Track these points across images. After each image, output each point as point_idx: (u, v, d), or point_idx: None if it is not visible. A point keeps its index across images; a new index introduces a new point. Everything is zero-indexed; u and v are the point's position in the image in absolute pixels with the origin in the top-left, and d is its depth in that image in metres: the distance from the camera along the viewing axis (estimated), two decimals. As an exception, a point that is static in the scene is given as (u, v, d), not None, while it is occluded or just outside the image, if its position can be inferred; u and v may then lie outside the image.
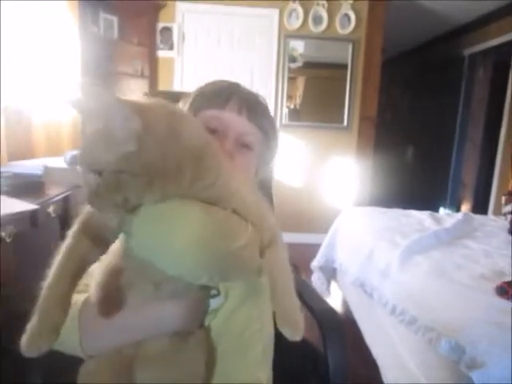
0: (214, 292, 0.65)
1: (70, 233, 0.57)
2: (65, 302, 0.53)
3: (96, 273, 0.61)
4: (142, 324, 0.59)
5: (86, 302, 0.60)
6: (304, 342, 0.70)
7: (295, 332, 0.55)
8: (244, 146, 0.71)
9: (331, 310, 1.05)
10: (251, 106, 0.72)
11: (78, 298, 0.60)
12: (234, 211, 0.56)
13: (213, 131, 0.69)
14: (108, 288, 0.59)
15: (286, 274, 0.60)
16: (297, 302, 0.58)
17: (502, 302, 1.26)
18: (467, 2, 3.88)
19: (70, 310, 0.55)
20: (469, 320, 1.18)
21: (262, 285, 0.70)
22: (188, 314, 0.60)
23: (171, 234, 0.51)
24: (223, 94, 0.71)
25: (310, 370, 1.00)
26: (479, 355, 1.04)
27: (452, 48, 4.88)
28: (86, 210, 0.57)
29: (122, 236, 0.58)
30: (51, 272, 0.54)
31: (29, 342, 0.51)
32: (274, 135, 0.77)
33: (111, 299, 0.59)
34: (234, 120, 0.70)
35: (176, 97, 0.77)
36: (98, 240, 0.56)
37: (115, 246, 0.60)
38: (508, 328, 1.11)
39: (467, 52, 4.67)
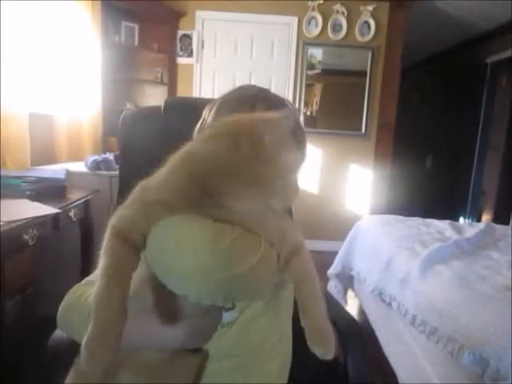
0: (228, 305, 0.64)
1: (111, 245, 0.52)
2: (124, 314, 0.50)
3: None
4: (144, 336, 0.58)
5: None
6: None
7: (327, 352, 0.53)
8: None
9: (351, 319, 1.03)
10: (278, 101, 0.72)
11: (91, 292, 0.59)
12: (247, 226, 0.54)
13: None
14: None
15: (314, 285, 0.57)
16: (328, 319, 0.55)
17: (528, 315, 1.22)
18: (490, 9, 3.82)
19: (82, 300, 0.58)
20: (494, 332, 1.15)
21: (282, 297, 0.69)
22: (191, 334, 0.58)
23: (176, 257, 0.51)
24: (249, 101, 0.71)
25: (325, 380, 0.98)
26: (503, 368, 1.01)
27: (474, 55, 4.81)
28: (122, 218, 0.53)
29: None
30: (102, 290, 0.50)
31: (91, 352, 0.47)
32: (303, 143, 0.76)
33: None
34: None
35: (194, 103, 0.78)
36: (139, 246, 0.53)
37: None
38: (534, 341, 1.07)
39: (490, 60, 4.60)
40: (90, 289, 0.63)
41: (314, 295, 0.56)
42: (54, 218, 1.57)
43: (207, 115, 0.76)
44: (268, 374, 0.69)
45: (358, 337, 1.00)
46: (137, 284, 0.55)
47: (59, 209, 1.58)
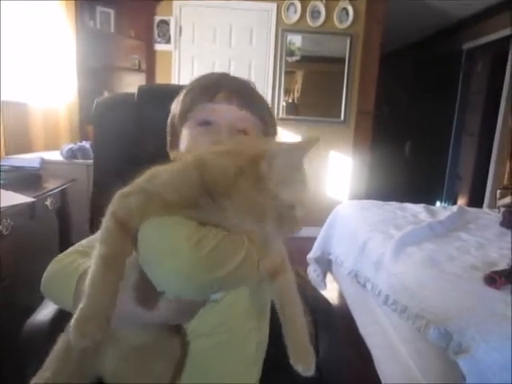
0: None
1: (111, 234, 0.53)
2: (115, 299, 0.52)
3: None
4: (132, 310, 0.58)
5: (86, 271, 0.58)
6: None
7: (308, 369, 0.59)
8: (240, 132, 0.72)
9: (324, 300, 1.06)
10: (241, 94, 0.73)
11: (80, 264, 0.62)
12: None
13: (207, 123, 0.71)
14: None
15: (296, 304, 0.62)
16: (307, 336, 0.61)
17: (491, 291, 1.28)
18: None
19: (71, 274, 0.60)
20: (458, 308, 1.20)
21: (263, 289, 0.71)
22: (176, 311, 0.60)
23: (159, 257, 0.52)
24: (212, 87, 0.73)
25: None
26: (465, 341, 1.06)
27: (450, 43, 4.89)
28: (124, 207, 0.54)
29: None
30: (98, 276, 0.51)
31: (81, 329, 0.48)
32: (271, 121, 0.78)
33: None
34: (225, 110, 0.71)
35: (168, 90, 0.79)
36: (135, 235, 0.55)
37: None
38: (495, 315, 1.13)
39: (465, 46, 4.68)
40: (78, 258, 0.65)
41: (297, 316, 0.61)
42: (30, 207, 1.56)
43: (175, 109, 0.78)
44: (246, 356, 0.72)
45: (329, 319, 1.03)
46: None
47: (34, 198, 1.57)
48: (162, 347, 0.62)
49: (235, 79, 0.76)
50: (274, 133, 0.80)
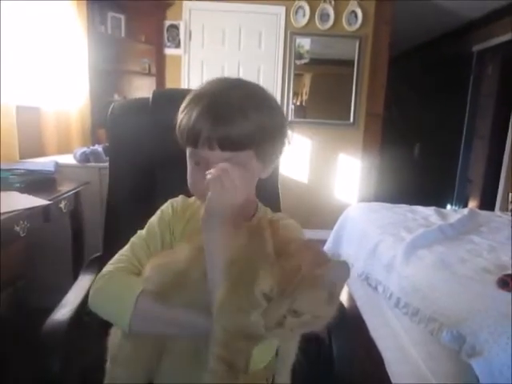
0: None
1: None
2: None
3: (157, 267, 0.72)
4: (188, 324, 0.67)
5: (144, 290, 0.69)
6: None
7: None
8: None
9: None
10: (221, 135, 0.70)
11: (134, 283, 0.71)
12: None
13: (197, 163, 0.75)
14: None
15: (293, 354, 0.71)
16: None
17: (503, 294, 1.28)
18: (475, -2, 3.86)
19: (128, 292, 0.69)
20: (471, 311, 1.20)
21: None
22: None
23: None
24: (191, 134, 0.72)
25: (313, 355, 1.03)
26: (479, 344, 1.06)
27: (460, 44, 4.85)
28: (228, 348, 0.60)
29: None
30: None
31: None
32: (274, 128, 0.75)
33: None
34: (209, 155, 0.72)
35: (183, 95, 0.80)
36: None
37: (182, 251, 0.70)
38: (508, 318, 1.12)
39: (476, 48, 4.65)
40: (128, 277, 0.74)
41: (290, 360, 0.72)
42: (45, 209, 1.58)
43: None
44: None
45: (342, 316, 1.04)
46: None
47: (49, 200, 1.60)
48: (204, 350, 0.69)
49: (218, 111, 0.70)
50: (280, 137, 0.79)
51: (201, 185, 0.71)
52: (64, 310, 0.95)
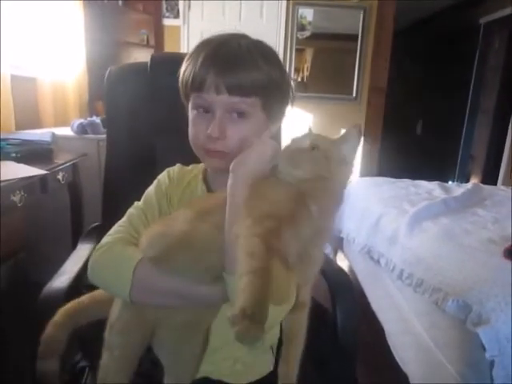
0: None
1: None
2: None
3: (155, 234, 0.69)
4: (190, 295, 0.65)
5: (142, 260, 0.67)
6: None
7: None
8: (239, 115, 0.71)
9: (340, 269, 1.06)
10: (230, 79, 0.68)
11: (132, 253, 0.68)
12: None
13: (203, 109, 0.72)
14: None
15: (302, 341, 0.68)
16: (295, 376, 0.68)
17: (509, 264, 1.26)
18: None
19: (126, 263, 0.67)
20: (477, 280, 1.18)
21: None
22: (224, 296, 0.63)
23: None
24: (197, 76, 0.70)
25: (314, 329, 1.02)
26: (485, 312, 1.05)
27: (467, 17, 4.71)
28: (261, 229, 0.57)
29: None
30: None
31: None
32: (281, 80, 0.74)
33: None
34: (215, 100, 0.70)
35: (182, 59, 0.76)
36: None
37: (182, 215, 0.67)
38: (515, 287, 1.11)
39: (483, 20, 4.52)
40: (126, 248, 0.70)
41: (298, 347, 0.68)
42: (42, 180, 1.55)
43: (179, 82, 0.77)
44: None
45: (346, 287, 1.02)
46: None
47: (46, 171, 1.56)
48: (200, 322, 0.70)
49: (227, 55, 0.70)
50: (287, 89, 0.78)
51: (203, 135, 0.71)
52: (62, 278, 0.93)
